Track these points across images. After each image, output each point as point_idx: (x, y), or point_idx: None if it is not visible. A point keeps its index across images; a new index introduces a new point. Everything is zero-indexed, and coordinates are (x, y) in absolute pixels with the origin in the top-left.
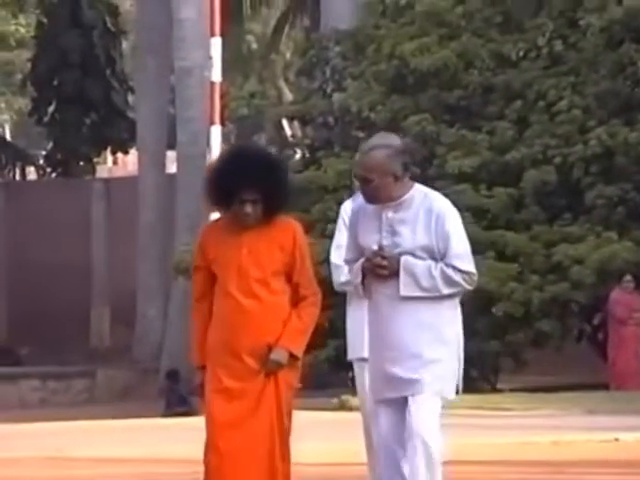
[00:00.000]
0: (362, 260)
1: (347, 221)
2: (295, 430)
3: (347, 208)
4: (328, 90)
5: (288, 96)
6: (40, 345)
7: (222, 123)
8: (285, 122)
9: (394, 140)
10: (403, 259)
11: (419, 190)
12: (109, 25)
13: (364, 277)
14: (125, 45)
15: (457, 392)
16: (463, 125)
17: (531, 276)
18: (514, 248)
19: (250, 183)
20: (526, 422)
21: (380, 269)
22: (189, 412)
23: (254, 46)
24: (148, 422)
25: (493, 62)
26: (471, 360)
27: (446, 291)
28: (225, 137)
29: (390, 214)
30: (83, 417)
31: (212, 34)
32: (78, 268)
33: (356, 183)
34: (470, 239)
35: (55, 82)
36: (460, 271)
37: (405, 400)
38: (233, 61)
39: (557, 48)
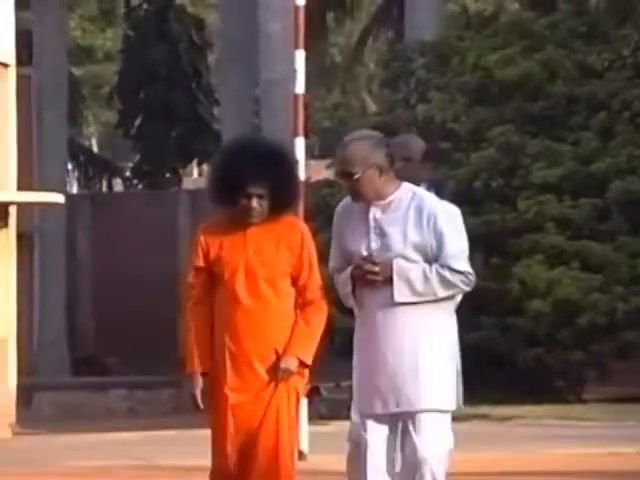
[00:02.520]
0: (351, 268)
1: None
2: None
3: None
4: (412, 101)
5: (371, 107)
6: (127, 355)
7: (306, 135)
8: None
9: (373, 133)
10: (396, 263)
11: (407, 188)
12: (195, 38)
13: (354, 285)
14: (211, 58)
15: (458, 403)
16: (547, 136)
17: (615, 286)
18: (598, 258)
19: (256, 176)
20: (611, 432)
21: (372, 275)
22: None
23: (338, 58)
24: None
25: (577, 73)
26: (556, 370)
27: (443, 294)
28: (309, 149)
29: (378, 214)
30: (170, 426)
31: (296, 47)
32: (164, 278)
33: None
34: (554, 249)
35: (141, 95)
36: (456, 271)
37: (397, 416)
38: (317, 73)
39: None
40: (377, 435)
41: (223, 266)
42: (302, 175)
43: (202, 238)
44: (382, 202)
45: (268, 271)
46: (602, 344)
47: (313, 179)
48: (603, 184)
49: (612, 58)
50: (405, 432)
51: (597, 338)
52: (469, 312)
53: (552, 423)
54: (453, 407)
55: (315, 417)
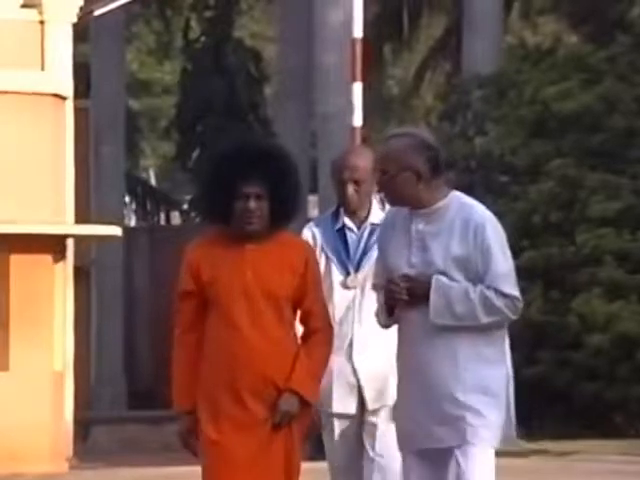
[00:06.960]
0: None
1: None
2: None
3: (313, 234)
4: (470, 134)
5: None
6: None
7: None
8: None
9: (421, 132)
10: (435, 279)
11: (456, 197)
12: (252, 71)
13: (391, 307)
14: (268, 90)
15: (507, 439)
16: (606, 169)
17: None
18: None
19: (252, 173)
20: None
21: (399, 295)
22: None
23: (395, 91)
24: None
25: (636, 106)
26: (615, 405)
27: (485, 319)
28: None
29: (421, 226)
30: None
31: (353, 79)
32: None
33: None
34: (613, 283)
35: (199, 128)
36: (503, 295)
37: (441, 452)
38: (374, 106)
39: None
40: (419, 474)
41: (218, 289)
42: None
43: (192, 258)
44: (425, 211)
45: (269, 297)
46: None
47: None
48: None
49: None
50: (449, 467)
51: None
52: (528, 346)
53: (612, 459)
54: (496, 444)
55: None
